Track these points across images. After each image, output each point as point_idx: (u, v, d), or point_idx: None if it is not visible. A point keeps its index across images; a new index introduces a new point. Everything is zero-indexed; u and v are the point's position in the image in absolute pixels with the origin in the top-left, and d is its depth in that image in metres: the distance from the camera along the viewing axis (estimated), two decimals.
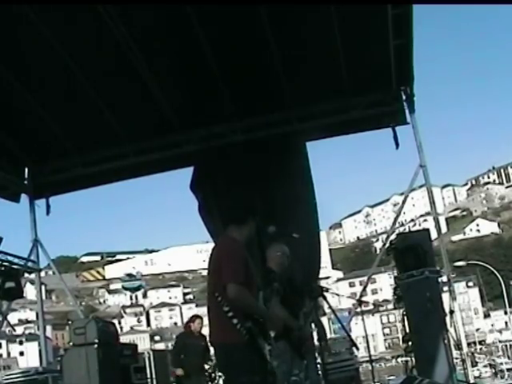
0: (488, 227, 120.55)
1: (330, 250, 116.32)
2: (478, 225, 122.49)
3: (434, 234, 8.59)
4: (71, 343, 7.31)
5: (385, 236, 12.01)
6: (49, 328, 64.74)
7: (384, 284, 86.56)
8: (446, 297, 8.12)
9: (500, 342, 64.16)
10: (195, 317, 8.80)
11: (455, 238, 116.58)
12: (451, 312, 8.13)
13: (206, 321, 4.83)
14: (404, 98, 8.94)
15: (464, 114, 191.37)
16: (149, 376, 8.57)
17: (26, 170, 9.80)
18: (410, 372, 7.78)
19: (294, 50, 7.97)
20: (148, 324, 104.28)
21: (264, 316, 3.94)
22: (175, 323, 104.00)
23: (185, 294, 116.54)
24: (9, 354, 78.09)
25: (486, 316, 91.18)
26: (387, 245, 8.71)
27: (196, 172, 9.52)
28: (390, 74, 8.47)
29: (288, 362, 5.14)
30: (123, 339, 12.95)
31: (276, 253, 5.41)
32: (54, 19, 6.88)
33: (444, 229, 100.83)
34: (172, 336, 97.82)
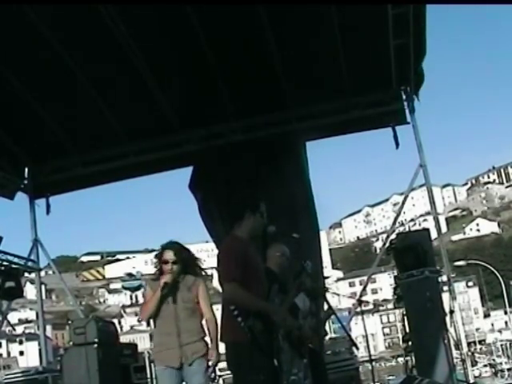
0: (488, 227, 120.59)
1: (330, 249, 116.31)
2: (477, 224, 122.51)
3: (433, 234, 8.60)
4: (71, 343, 7.31)
5: (385, 236, 12.02)
6: (49, 327, 64.76)
7: (384, 284, 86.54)
8: (445, 296, 8.12)
9: (500, 341, 64.09)
10: None
11: (455, 237, 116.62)
12: (451, 312, 8.14)
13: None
14: (404, 97, 8.95)
15: (464, 113, 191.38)
16: (149, 376, 8.56)
17: (26, 169, 9.81)
18: (409, 372, 7.79)
19: (293, 49, 7.98)
20: (148, 324, 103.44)
21: (266, 310, 3.92)
22: None
23: None
24: (9, 353, 78.04)
25: (486, 316, 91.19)
26: (387, 244, 8.71)
27: (195, 172, 9.52)
28: (390, 73, 8.47)
29: (288, 362, 5.14)
30: (123, 339, 12.94)
31: (275, 253, 5.40)
32: (54, 19, 6.88)
33: (444, 228, 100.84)
34: None
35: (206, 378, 4.72)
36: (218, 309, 4.43)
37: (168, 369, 4.70)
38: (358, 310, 9.36)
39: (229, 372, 4.86)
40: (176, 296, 4.77)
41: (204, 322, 4.86)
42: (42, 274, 10.20)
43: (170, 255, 4.79)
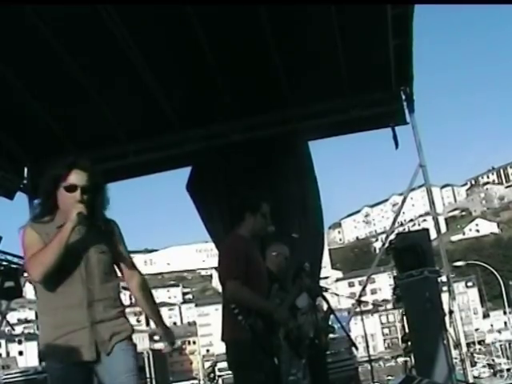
0: (487, 227, 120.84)
1: (330, 249, 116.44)
2: (477, 225, 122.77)
3: (433, 234, 8.59)
4: None
5: (384, 236, 12.03)
6: None
7: (383, 284, 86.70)
8: (445, 297, 8.12)
9: (499, 341, 64.17)
10: None
11: (454, 237, 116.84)
12: (450, 312, 8.14)
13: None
14: (404, 97, 8.95)
15: (463, 114, 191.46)
16: (148, 376, 8.56)
17: (25, 169, 9.80)
18: (409, 372, 7.80)
19: (293, 49, 7.98)
20: (147, 323, 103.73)
21: (268, 309, 3.93)
22: (174, 323, 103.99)
23: (184, 294, 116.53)
24: (8, 353, 78.05)
25: (485, 316, 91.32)
26: (386, 245, 8.72)
27: (195, 172, 9.51)
28: (389, 73, 8.47)
29: (286, 362, 5.14)
30: None
31: (274, 253, 5.40)
32: (54, 20, 6.88)
33: (443, 229, 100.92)
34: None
35: (134, 365, 3.08)
36: (217, 309, 4.39)
37: (74, 367, 2.85)
38: (358, 310, 9.36)
39: (228, 372, 4.85)
40: (88, 245, 2.97)
41: (131, 284, 3.19)
42: None
43: (80, 178, 2.96)
